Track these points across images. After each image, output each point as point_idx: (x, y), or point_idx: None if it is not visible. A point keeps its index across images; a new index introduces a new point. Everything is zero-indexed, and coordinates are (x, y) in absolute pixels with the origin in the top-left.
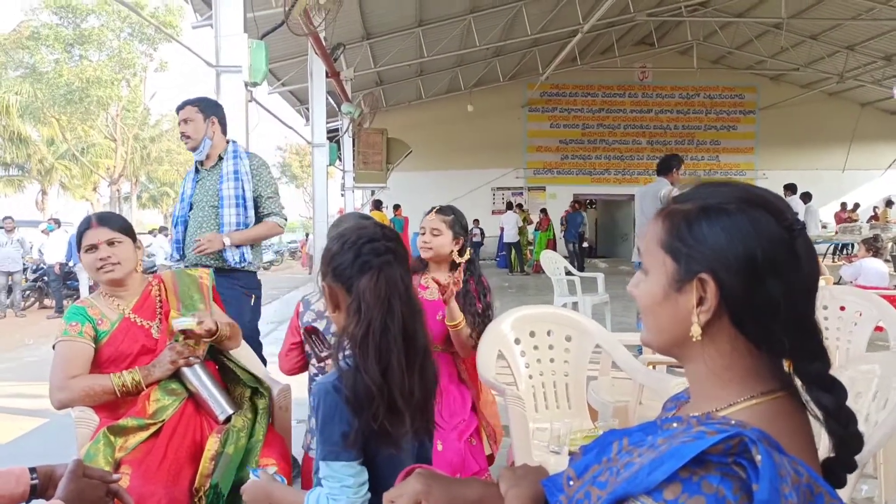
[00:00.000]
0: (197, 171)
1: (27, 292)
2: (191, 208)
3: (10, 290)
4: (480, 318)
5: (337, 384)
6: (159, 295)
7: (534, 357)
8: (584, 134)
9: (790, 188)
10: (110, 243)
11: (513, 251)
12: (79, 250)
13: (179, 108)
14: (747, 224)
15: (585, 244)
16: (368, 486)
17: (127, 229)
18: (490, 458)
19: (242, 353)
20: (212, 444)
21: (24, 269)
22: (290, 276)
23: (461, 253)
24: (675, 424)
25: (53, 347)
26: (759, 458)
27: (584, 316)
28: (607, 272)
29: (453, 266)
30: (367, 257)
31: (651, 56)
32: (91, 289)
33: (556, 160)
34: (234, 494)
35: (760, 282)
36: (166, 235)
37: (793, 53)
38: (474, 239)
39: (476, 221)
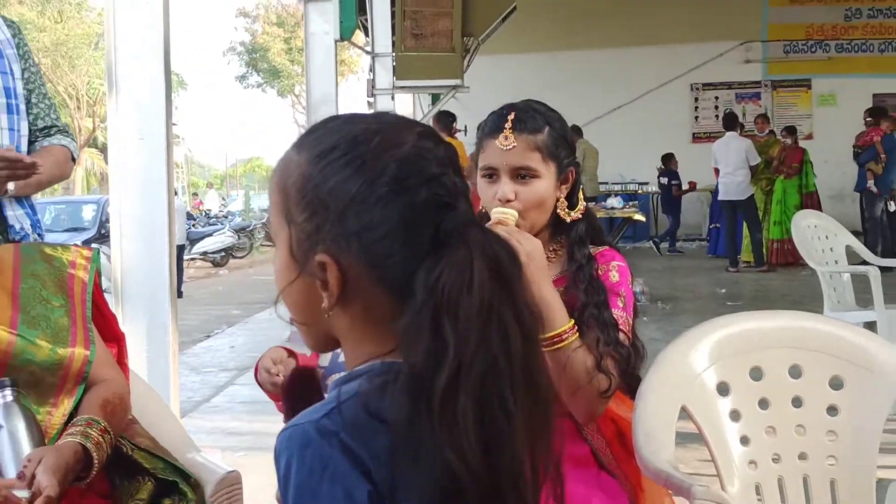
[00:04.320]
0: None
1: None
2: None
3: None
4: (616, 336)
5: (324, 424)
6: None
7: (761, 423)
8: None
9: None
10: None
11: (740, 220)
12: None
13: None
14: None
15: (894, 205)
16: None
17: None
18: None
19: (148, 411)
20: None
21: None
22: (265, 279)
23: (572, 202)
24: None
25: None
26: None
27: (878, 338)
28: None
29: (559, 230)
30: (431, 215)
31: None
32: None
33: (836, 22)
34: None
35: None
36: None
37: None
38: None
39: (669, 158)
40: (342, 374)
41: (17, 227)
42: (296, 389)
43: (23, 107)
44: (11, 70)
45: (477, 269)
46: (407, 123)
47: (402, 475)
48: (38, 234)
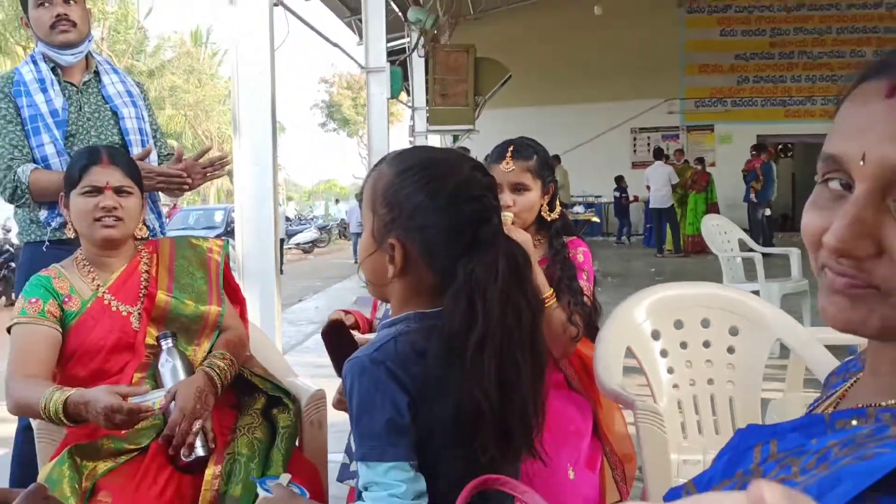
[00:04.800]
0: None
1: None
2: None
3: None
4: (581, 299)
5: (376, 356)
6: (148, 269)
7: (681, 358)
8: (773, 44)
9: None
10: (119, 191)
11: (664, 222)
12: (68, 189)
13: None
14: None
15: (769, 211)
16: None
17: (139, 178)
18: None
19: (261, 349)
20: (210, 479)
21: None
22: (339, 261)
23: (552, 207)
24: (854, 422)
25: (9, 331)
26: None
27: (761, 300)
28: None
29: (542, 226)
30: (472, 224)
31: None
32: None
33: (731, 85)
34: None
35: None
36: None
37: None
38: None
39: (621, 179)
40: (391, 318)
41: (152, 227)
42: (331, 335)
43: (151, 141)
44: (143, 116)
45: (501, 267)
46: (465, 158)
47: (431, 394)
48: (162, 233)
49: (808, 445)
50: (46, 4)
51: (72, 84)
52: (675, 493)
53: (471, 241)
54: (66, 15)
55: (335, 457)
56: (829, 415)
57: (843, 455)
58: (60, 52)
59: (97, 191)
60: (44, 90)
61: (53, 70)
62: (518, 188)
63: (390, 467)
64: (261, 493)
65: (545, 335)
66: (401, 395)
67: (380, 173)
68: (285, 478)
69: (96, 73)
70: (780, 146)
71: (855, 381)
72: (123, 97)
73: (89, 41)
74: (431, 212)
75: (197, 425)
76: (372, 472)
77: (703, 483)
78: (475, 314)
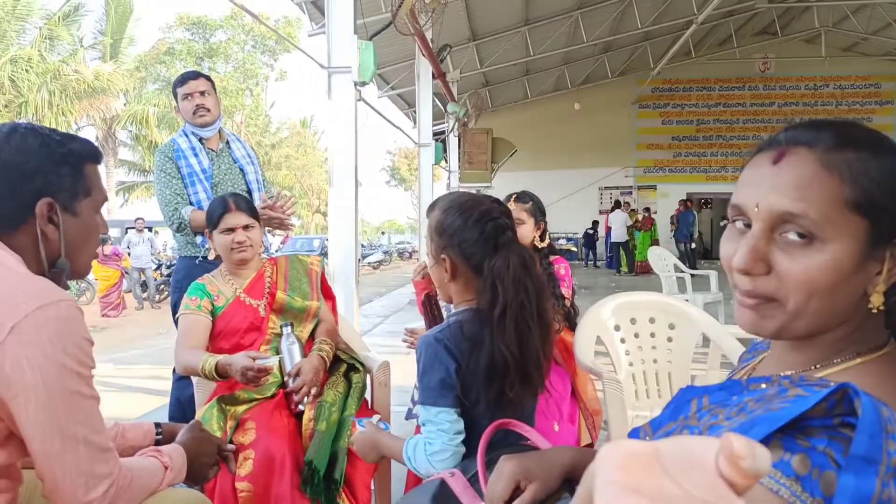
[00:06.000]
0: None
1: (161, 286)
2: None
3: (144, 285)
4: (563, 302)
5: (438, 336)
6: (271, 276)
7: (634, 344)
8: (698, 130)
9: None
10: (245, 227)
11: (621, 251)
12: (211, 228)
13: (191, 79)
14: None
15: (693, 245)
16: (465, 437)
17: (257, 215)
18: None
19: (345, 332)
20: (306, 422)
21: (160, 266)
22: (397, 275)
23: (542, 238)
24: (763, 385)
25: (178, 320)
26: (860, 411)
27: (690, 305)
28: (722, 271)
29: (535, 250)
30: (493, 236)
31: (774, 46)
32: None
33: (668, 158)
34: (330, 468)
35: None
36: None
37: None
38: (590, 237)
39: (596, 223)
40: (453, 312)
41: (268, 245)
42: (427, 302)
43: (262, 189)
44: (259, 171)
45: (513, 261)
46: (486, 196)
47: (472, 360)
48: (268, 253)
49: (730, 400)
50: (189, 98)
51: (212, 150)
52: (635, 433)
53: (493, 247)
54: (203, 104)
55: (396, 407)
56: (745, 380)
57: (756, 407)
58: (201, 129)
59: (231, 230)
60: (195, 155)
61: (200, 140)
62: (517, 222)
63: (440, 411)
64: (358, 427)
65: None
66: (451, 363)
67: (433, 215)
68: (376, 417)
69: (227, 142)
70: (702, 200)
71: (762, 359)
72: (246, 159)
73: (220, 120)
74: (466, 231)
75: (314, 391)
76: (427, 413)
77: (655, 425)
78: (497, 293)
